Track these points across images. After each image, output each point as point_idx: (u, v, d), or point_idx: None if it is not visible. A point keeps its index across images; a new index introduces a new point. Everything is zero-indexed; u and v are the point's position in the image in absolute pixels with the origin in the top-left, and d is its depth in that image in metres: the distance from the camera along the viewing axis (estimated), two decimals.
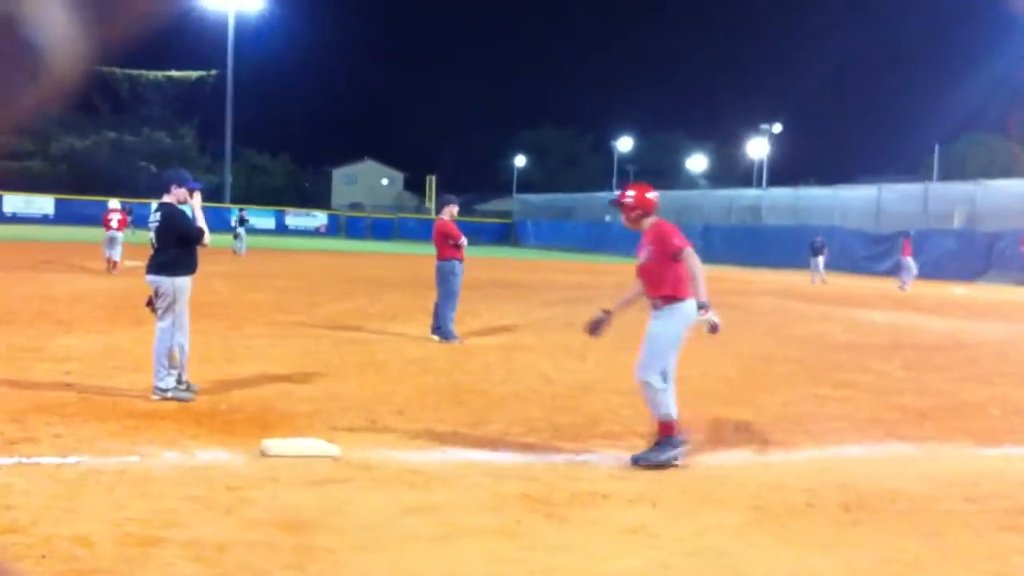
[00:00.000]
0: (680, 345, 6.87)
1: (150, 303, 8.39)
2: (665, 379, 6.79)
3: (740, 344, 14.14)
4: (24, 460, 5.91)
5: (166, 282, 8.19)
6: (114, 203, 25.64)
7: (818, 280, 33.52)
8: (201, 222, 8.36)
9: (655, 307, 6.96)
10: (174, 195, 8.42)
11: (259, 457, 6.24)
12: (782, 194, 56.27)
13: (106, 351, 10.41)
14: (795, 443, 7.66)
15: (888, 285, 33.15)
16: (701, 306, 6.86)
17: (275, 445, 6.39)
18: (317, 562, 4.41)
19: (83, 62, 0.45)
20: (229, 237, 33.71)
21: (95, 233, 26.80)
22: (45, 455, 6.04)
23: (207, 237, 8.34)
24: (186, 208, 8.47)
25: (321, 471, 6.02)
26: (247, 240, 34.96)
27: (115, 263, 22.87)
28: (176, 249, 8.25)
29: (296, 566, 4.34)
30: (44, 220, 58.19)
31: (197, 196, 8.58)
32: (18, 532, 4.56)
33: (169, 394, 7.97)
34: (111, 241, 23.23)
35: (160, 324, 8.21)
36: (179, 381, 8.16)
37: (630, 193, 7.37)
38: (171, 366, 8.08)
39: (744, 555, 4.83)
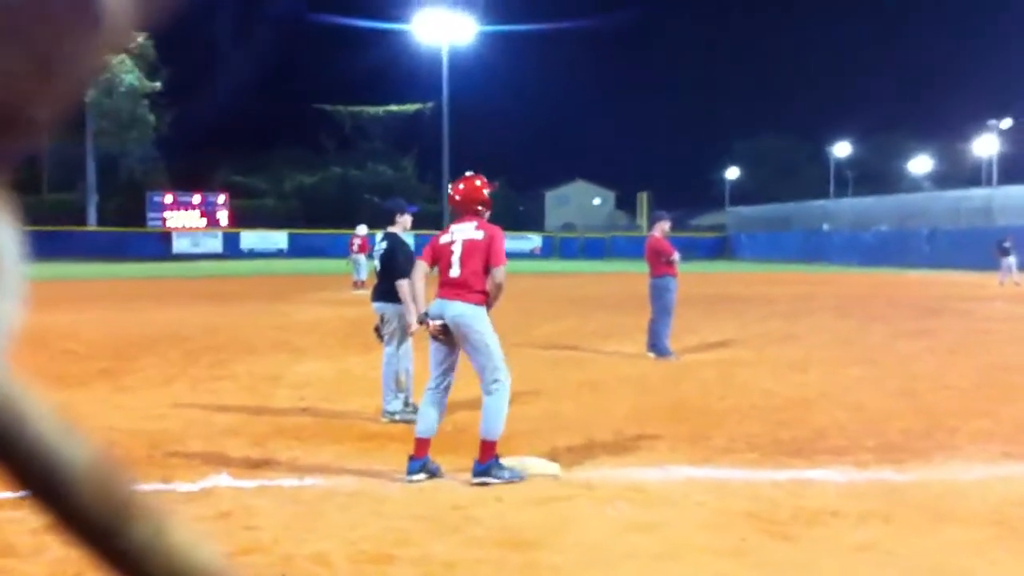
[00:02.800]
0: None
1: (377, 330, 8.78)
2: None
3: (975, 353, 13.40)
4: (266, 483, 6.29)
5: (391, 309, 8.54)
6: (360, 229, 28.01)
7: (1009, 281, 31.32)
8: None
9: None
10: (400, 224, 8.81)
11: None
12: (1015, 192, 52.84)
13: (339, 377, 10.93)
14: None
15: None
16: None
17: (507, 463, 6.54)
18: None
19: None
20: None
21: (326, 265, 28.18)
22: (285, 477, 6.42)
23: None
24: (408, 236, 8.82)
25: (543, 490, 6.11)
26: None
27: (358, 282, 26.42)
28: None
29: None
30: (279, 254, 61.71)
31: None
32: (260, 552, 4.86)
33: (397, 417, 8.31)
34: (355, 263, 27.17)
35: (387, 349, 8.58)
36: (406, 404, 8.48)
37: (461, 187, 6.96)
38: (398, 390, 8.42)
39: (986, 573, 4.58)
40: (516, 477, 6.29)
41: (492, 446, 6.34)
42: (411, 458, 6.42)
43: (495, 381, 6.38)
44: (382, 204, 9.23)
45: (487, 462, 6.30)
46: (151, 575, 0.77)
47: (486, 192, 6.92)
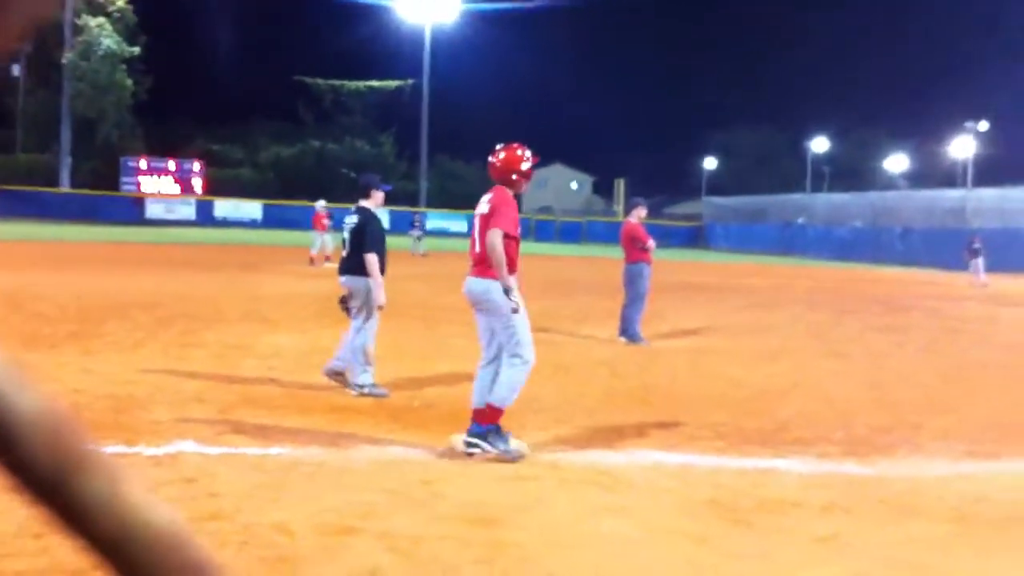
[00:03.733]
0: None
1: (343, 302, 8.75)
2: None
3: (943, 350, 13.53)
4: (230, 450, 6.27)
5: (359, 283, 8.51)
6: (319, 203, 27.82)
7: (977, 283, 31.65)
8: None
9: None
10: (373, 199, 8.76)
11: (451, 452, 6.41)
12: (989, 195, 53.29)
13: (309, 349, 10.90)
14: (1000, 454, 7.25)
15: None
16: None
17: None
18: (507, 557, 4.49)
19: None
20: (408, 240, 36.48)
21: (300, 237, 28.05)
22: (250, 446, 6.39)
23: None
24: (382, 212, 8.77)
25: (511, 469, 6.13)
26: (425, 241, 37.37)
27: (311, 258, 26.26)
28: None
29: (486, 560, 4.44)
30: (252, 224, 61.28)
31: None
32: (222, 519, 4.84)
33: (366, 390, 8.29)
34: (313, 238, 26.87)
35: (354, 323, 8.55)
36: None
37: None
38: (367, 363, 8.40)
39: (945, 568, 4.63)
40: (509, 454, 6.26)
41: (497, 413, 6.34)
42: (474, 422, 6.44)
43: (515, 356, 6.38)
44: (357, 178, 9.15)
45: (486, 426, 6.30)
46: (103, 531, 0.75)
47: (523, 165, 6.75)
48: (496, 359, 6.56)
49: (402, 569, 4.28)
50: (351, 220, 8.72)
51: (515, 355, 6.38)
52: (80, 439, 0.77)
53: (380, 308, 8.49)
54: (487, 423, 6.30)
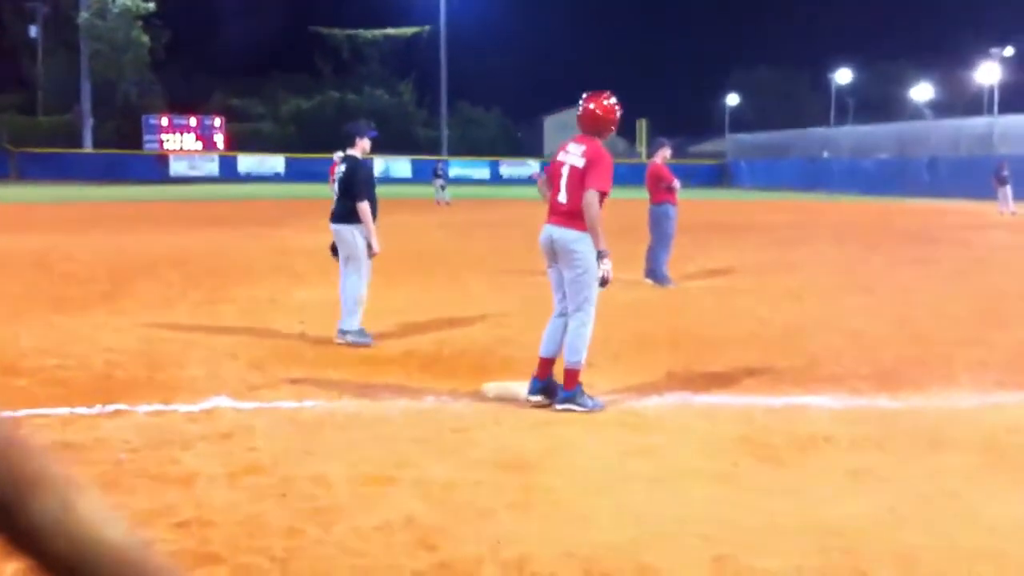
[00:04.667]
0: None
1: (333, 249, 8.77)
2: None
3: (972, 281, 13.43)
4: (264, 405, 6.35)
5: (349, 230, 8.52)
6: (336, 155, 27.38)
7: (1007, 212, 31.16)
8: None
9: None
10: (359, 146, 8.72)
11: (481, 400, 6.46)
12: (1016, 121, 52.36)
13: (337, 301, 10.93)
14: None
15: None
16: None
17: (496, 388, 6.60)
18: (539, 502, 4.55)
19: None
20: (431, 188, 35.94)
21: (323, 190, 27.96)
22: (284, 400, 6.47)
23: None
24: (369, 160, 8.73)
25: (541, 414, 6.17)
26: (449, 190, 36.13)
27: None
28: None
29: (519, 505, 4.49)
30: (276, 178, 61.37)
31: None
32: (260, 473, 4.92)
33: (349, 338, 8.35)
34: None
35: (344, 270, 8.57)
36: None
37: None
38: (356, 311, 8.42)
39: (976, 498, 4.65)
40: (597, 407, 6.30)
41: (575, 373, 6.33)
42: (533, 378, 6.47)
43: (579, 309, 6.36)
44: (344, 126, 9.07)
45: (572, 389, 6.31)
46: (56, 552, 0.74)
47: (615, 114, 6.62)
48: (567, 313, 6.54)
49: (437, 516, 4.34)
50: (340, 169, 8.69)
51: (580, 309, 6.36)
52: (30, 456, 0.74)
53: (373, 254, 8.50)
54: (572, 386, 6.33)
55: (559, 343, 6.49)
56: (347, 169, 8.60)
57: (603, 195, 6.32)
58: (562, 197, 6.45)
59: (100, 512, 0.76)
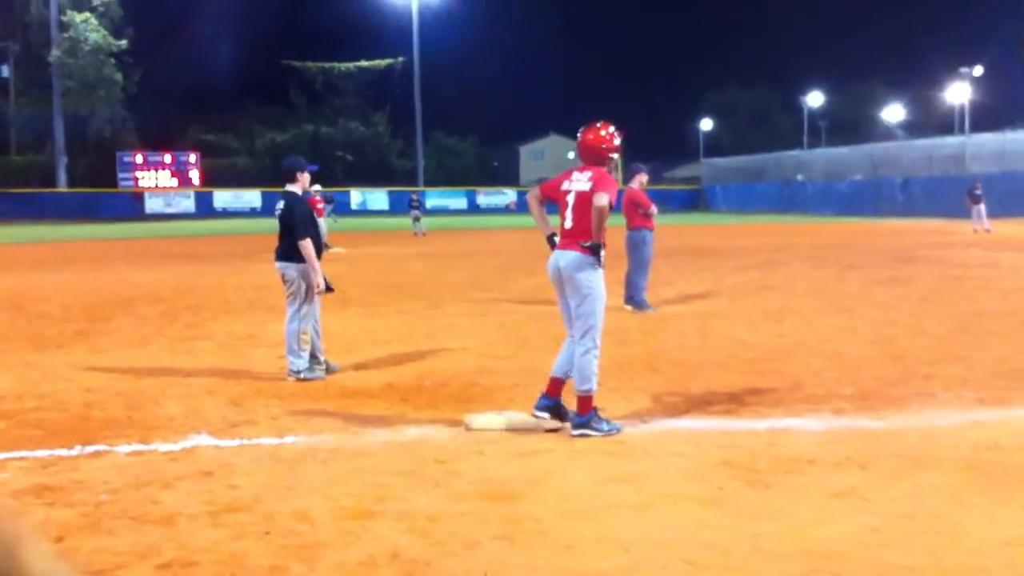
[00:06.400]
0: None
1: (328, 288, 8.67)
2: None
3: (949, 300, 13.53)
4: (245, 442, 6.30)
5: (292, 269, 8.47)
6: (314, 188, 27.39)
7: (981, 229, 31.50)
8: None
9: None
10: (300, 182, 8.69)
11: (463, 431, 6.44)
12: (987, 140, 52.98)
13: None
14: (1011, 401, 7.27)
15: None
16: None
17: (478, 419, 6.58)
18: (524, 531, 4.52)
19: None
20: (409, 219, 35.73)
21: None
22: (264, 436, 6.42)
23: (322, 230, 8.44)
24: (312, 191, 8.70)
25: (523, 443, 6.15)
26: (424, 221, 36.02)
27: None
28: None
29: (504, 536, 4.47)
30: (252, 213, 61.25)
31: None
32: (242, 510, 4.87)
33: (303, 375, 8.30)
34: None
35: (289, 309, 8.51)
36: (316, 360, 8.47)
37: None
38: (300, 349, 8.37)
39: (960, 517, 4.65)
40: (614, 430, 6.33)
41: (590, 399, 6.36)
42: (542, 394, 6.51)
43: (584, 335, 6.39)
44: (282, 162, 9.03)
45: (587, 414, 6.33)
46: None
47: (614, 142, 6.73)
48: None
49: (422, 549, 4.31)
50: (279, 206, 8.60)
51: (588, 337, 6.39)
52: None
53: (319, 292, 8.46)
54: (587, 411, 6.35)
55: (570, 365, 6.53)
56: (285, 206, 8.52)
57: (609, 206, 6.38)
58: (568, 223, 6.55)
59: (48, 563, 0.74)
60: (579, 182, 6.56)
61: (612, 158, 6.77)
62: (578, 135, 6.80)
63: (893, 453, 5.81)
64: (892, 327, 11.00)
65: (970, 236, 30.15)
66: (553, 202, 6.77)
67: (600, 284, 6.44)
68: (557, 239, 6.66)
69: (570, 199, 6.54)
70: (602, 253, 6.41)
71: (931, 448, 5.92)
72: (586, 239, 6.39)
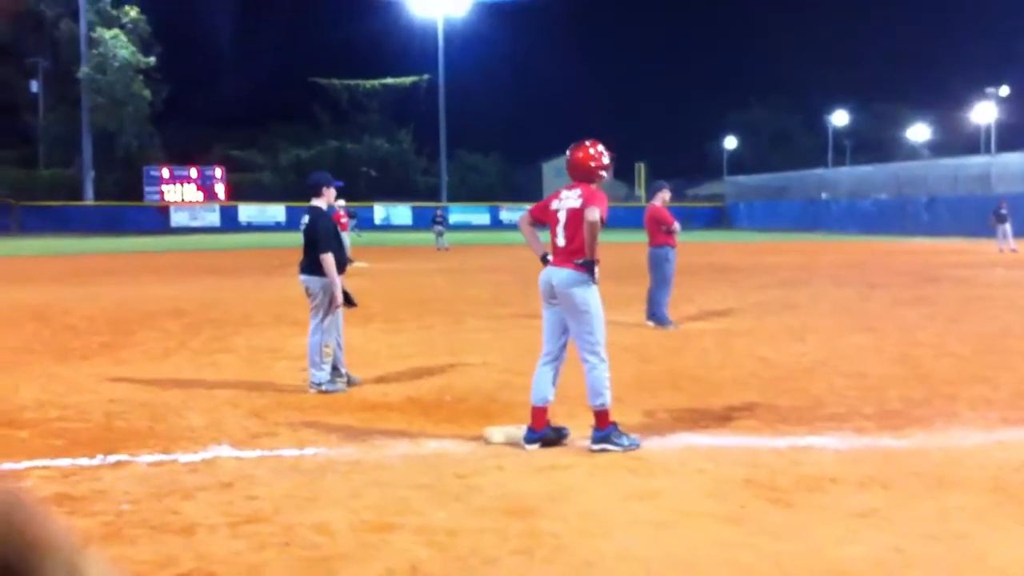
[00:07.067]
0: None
1: (347, 299, 8.72)
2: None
3: (974, 319, 13.41)
4: (266, 453, 6.31)
5: (316, 282, 8.52)
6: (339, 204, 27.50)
7: (1006, 249, 31.22)
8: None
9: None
10: (325, 197, 8.76)
11: (483, 445, 6.43)
12: (1014, 160, 52.62)
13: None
14: None
15: None
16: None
17: (498, 433, 6.57)
18: (543, 547, 4.50)
19: None
20: (432, 235, 36.18)
21: None
22: (285, 448, 6.44)
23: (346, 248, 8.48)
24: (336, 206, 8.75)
25: (543, 459, 6.13)
26: (447, 236, 36.46)
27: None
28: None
29: (523, 551, 4.45)
30: (276, 227, 61.54)
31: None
32: (261, 522, 4.88)
33: (324, 387, 8.34)
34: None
35: (312, 322, 8.56)
36: (338, 372, 8.53)
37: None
38: (322, 361, 8.40)
39: (985, 538, 4.60)
40: (634, 445, 6.31)
41: (606, 414, 6.35)
42: (528, 428, 6.46)
43: (591, 354, 6.38)
44: (308, 177, 9.12)
45: (606, 429, 6.32)
46: None
47: (603, 160, 6.72)
48: (558, 358, 6.57)
49: (441, 563, 4.30)
50: (303, 220, 8.69)
51: (592, 353, 6.37)
52: (37, 520, 0.73)
53: (337, 306, 8.50)
54: (605, 426, 6.34)
55: (549, 390, 6.51)
56: (310, 220, 8.62)
57: (601, 221, 6.36)
58: (560, 240, 6.51)
59: (105, 572, 0.74)
60: (569, 200, 6.55)
61: (602, 175, 6.75)
62: (567, 153, 6.80)
63: (916, 473, 5.76)
64: (916, 347, 10.91)
65: (995, 256, 29.92)
66: (543, 224, 6.74)
67: (596, 300, 6.41)
68: (551, 258, 6.63)
69: (561, 216, 6.52)
70: (596, 269, 6.40)
71: (955, 468, 5.86)
72: (579, 256, 6.38)
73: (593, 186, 6.63)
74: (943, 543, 4.55)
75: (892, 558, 4.35)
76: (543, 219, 6.73)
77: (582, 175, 6.67)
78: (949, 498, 5.25)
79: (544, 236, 6.76)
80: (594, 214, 6.27)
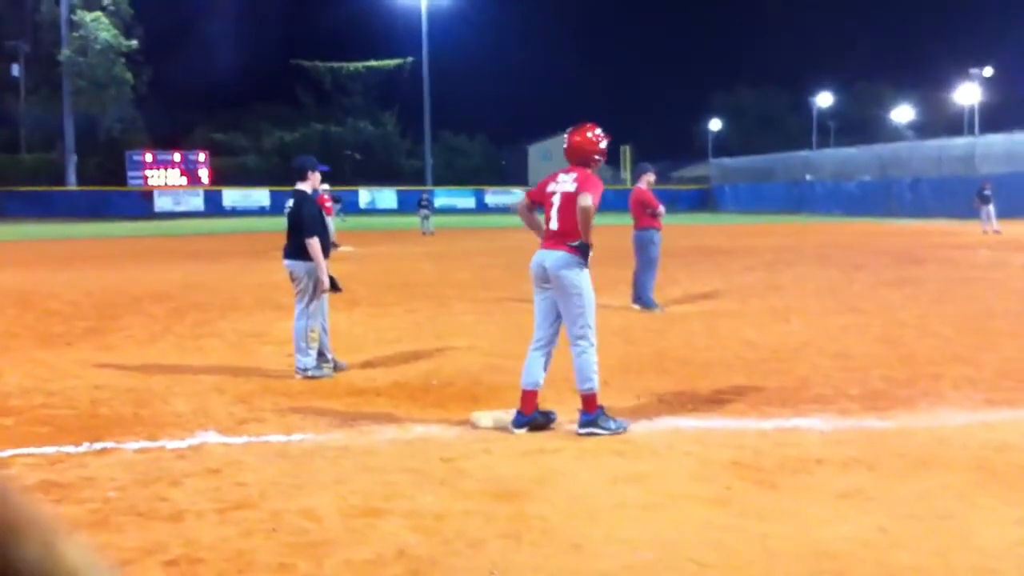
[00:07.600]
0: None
1: (333, 284, 8.71)
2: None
3: (958, 300, 13.49)
4: (252, 439, 6.31)
5: (300, 267, 8.49)
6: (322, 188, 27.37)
7: (990, 230, 31.38)
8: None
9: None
10: (311, 181, 8.71)
11: (470, 429, 6.44)
12: (997, 141, 52.74)
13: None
14: (1020, 401, 7.24)
15: None
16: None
17: (484, 417, 6.58)
18: (531, 531, 4.52)
19: None
20: (417, 218, 35.90)
21: None
22: (272, 433, 6.44)
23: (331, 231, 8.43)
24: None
25: (530, 442, 6.15)
26: (433, 220, 36.16)
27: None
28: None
29: (511, 535, 4.46)
30: (261, 212, 61.27)
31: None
32: (249, 508, 4.88)
33: (310, 373, 8.33)
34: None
35: (297, 307, 8.53)
36: (323, 359, 8.52)
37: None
38: (309, 347, 8.39)
39: (968, 517, 4.64)
40: (621, 428, 6.33)
41: (594, 398, 6.36)
42: (518, 411, 6.46)
43: (580, 337, 6.38)
44: (293, 161, 9.06)
45: (594, 413, 6.34)
46: None
47: (601, 145, 6.74)
48: (550, 343, 6.57)
49: (429, 547, 4.31)
50: (288, 204, 8.65)
51: (581, 337, 6.38)
52: (12, 501, 0.72)
53: (324, 291, 8.48)
54: (593, 409, 6.35)
55: (540, 375, 6.52)
56: (294, 204, 8.57)
57: (593, 206, 6.37)
58: (554, 224, 6.51)
59: (84, 557, 0.74)
60: (564, 183, 6.56)
61: (598, 160, 6.76)
62: (565, 136, 6.80)
63: (901, 453, 5.79)
64: (900, 327, 10.97)
65: (979, 237, 30.05)
66: (541, 206, 6.75)
67: (587, 283, 6.42)
68: None
69: (555, 200, 6.54)
70: (589, 253, 6.42)
71: (939, 448, 5.90)
72: (573, 239, 6.39)
73: (588, 170, 6.63)
74: (927, 523, 4.58)
75: (877, 538, 4.38)
76: (540, 200, 6.74)
77: (579, 158, 6.68)
78: (933, 478, 5.28)
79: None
80: (587, 200, 6.29)
